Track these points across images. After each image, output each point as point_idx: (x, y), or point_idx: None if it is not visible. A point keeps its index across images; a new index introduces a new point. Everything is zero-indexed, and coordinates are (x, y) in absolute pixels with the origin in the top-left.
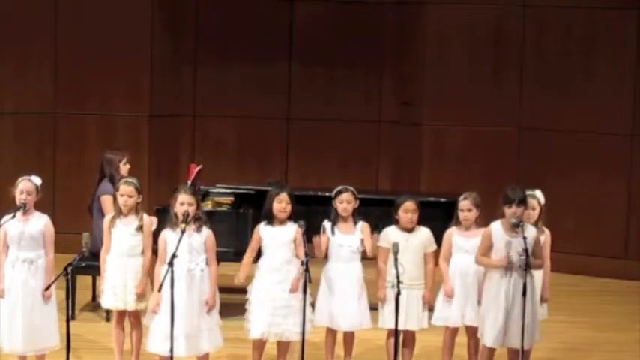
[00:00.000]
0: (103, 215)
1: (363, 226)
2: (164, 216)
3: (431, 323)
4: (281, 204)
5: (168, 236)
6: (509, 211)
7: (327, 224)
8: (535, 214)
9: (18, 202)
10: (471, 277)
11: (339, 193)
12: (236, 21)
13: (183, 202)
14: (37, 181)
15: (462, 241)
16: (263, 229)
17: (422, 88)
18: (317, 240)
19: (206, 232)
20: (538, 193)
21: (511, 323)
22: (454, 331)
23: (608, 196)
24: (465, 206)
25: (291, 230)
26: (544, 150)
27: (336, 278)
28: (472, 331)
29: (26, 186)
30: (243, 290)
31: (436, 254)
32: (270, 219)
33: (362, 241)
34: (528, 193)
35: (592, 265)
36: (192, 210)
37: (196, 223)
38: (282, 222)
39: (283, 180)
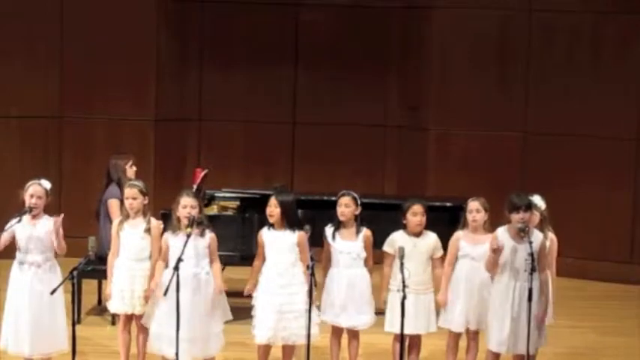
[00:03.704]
0: (109, 220)
1: (365, 235)
2: (170, 220)
3: (438, 326)
4: (269, 207)
5: (171, 240)
6: (517, 216)
7: (328, 230)
8: (534, 219)
9: (27, 206)
10: (476, 283)
11: (340, 196)
12: (242, 26)
13: (185, 205)
14: (47, 184)
15: (468, 248)
16: (265, 234)
17: (428, 93)
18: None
19: (209, 236)
20: (537, 199)
21: (517, 328)
22: (457, 335)
23: (614, 200)
24: (474, 207)
25: (294, 234)
26: (550, 154)
27: (338, 283)
28: (472, 335)
29: (36, 190)
30: (248, 294)
31: (443, 259)
32: (270, 223)
33: (364, 248)
34: None
35: (597, 269)
36: (195, 213)
37: (199, 227)
38: (281, 226)
39: (288, 185)
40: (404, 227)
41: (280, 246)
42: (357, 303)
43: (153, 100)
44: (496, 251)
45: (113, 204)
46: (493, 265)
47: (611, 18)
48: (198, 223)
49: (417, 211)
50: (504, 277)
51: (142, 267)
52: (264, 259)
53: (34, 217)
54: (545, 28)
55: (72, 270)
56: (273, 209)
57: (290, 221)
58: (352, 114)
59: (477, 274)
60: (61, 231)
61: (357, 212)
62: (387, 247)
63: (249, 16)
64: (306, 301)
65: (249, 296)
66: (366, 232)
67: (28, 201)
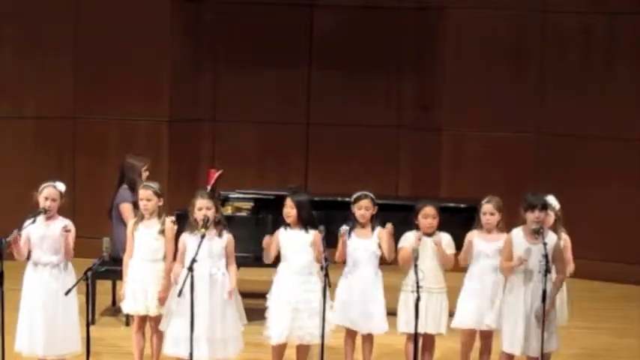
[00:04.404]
0: (122, 222)
1: (380, 231)
2: (184, 221)
3: (451, 327)
4: (285, 209)
5: (188, 240)
6: (532, 215)
7: (344, 229)
8: (549, 219)
9: (41, 207)
10: (490, 281)
11: (358, 199)
12: (256, 26)
13: (201, 207)
14: (61, 187)
15: (482, 245)
16: (282, 234)
17: (441, 94)
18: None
19: (227, 237)
20: (551, 199)
21: (530, 330)
22: (472, 333)
23: (628, 201)
24: (488, 209)
25: (310, 234)
26: (563, 155)
27: (353, 281)
28: (485, 335)
29: (50, 192)
30: (263, 295)
31: (455, 257)
32: (286, 223)
33: (379, 245)
34: None
35: (611, 270)
36: (210, 214)
37: (217, 228)
38: (296, 225)
39: (303, 185)
40: (416, 228)
41: (296, 245)
42: (370, 305)
43: (167, 100)
44: (522, 263)
45: (125, 208)
46: (510, 270)
47: (624, 19)
48: (217, 223)
49: (429, 213)
50: (518, 278)
51: (156, 268)
52: (279, 260)
53: (48, 218)
54: (559, 29)
55: (86, 271)
56: (290, 210)
57: (305, 221)
58: (366, 114)
59: (491, 272)
60: (70, 241)
61: (374, 212)
62: (402, 244)
63: (263, 17)
64: (321, 300)
65: (263, 297)
66: (380, 229)
67: (42, 203)
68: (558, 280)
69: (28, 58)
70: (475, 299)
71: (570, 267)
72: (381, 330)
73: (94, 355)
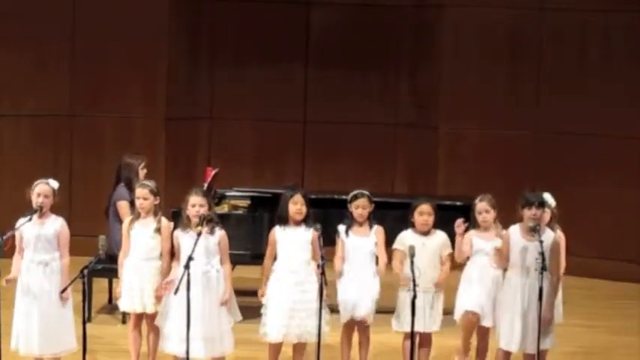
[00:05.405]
0: (119, 220)
1: (377, 230)
2: (180, 218)
3: (454, 320)
4: (296, 205)
5: (182, 238)
6: (529, 212)
7: (341, 228)
8: (545, 217)
9: (34, 205)
10: (490, 279)
11: (355, 198)
12: (253, 24)
13: (194, 204)
14: (54, 184)
15: (481, 243)
16: (278, 232)
17: (438, 91)
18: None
19: (219, 234)
20: (547, 196)
21: (527, 327)
22: (474, 318)
23: (624, 199)
24: (483, 208)
25: (308, 232)
26: (560, 153)
27: (352, 280)
28: (483, 333)
29: (43, 189)
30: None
31: (452, 257)
32: (285, 221)
33: (376, 244)
34: None
35: (608, 268)
36: (203, 211)
37: (209, 225)
38: (297, 224)
39: (300, 183)
40: (412, 226)
41: (295, 243)
42: (369, 290)
43: (164, 98)
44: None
45: (123, 206)
46: (501, 259)
47: (622, 16)
48: (208, 220)
49: (424, 210)
50: (514, 276)
51: (152, 266)
52: (275, 258)
53: (42, 216)
54: (556, 27)
55: (82, 269)
56: (302, 207)
57: (306, 218)
58: (363, 112)
59: (491, 270)
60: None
61: (371, 210)
62: (396, 245)
63: (260, 14)
64: (318, 299)
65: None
66: (378, 227)
67: (35, 200)
68: (554, 282)
69: (25, 57)
70: (475, 292)
71: (562, 265)
72: (367, 311)
73: (91, 352)
